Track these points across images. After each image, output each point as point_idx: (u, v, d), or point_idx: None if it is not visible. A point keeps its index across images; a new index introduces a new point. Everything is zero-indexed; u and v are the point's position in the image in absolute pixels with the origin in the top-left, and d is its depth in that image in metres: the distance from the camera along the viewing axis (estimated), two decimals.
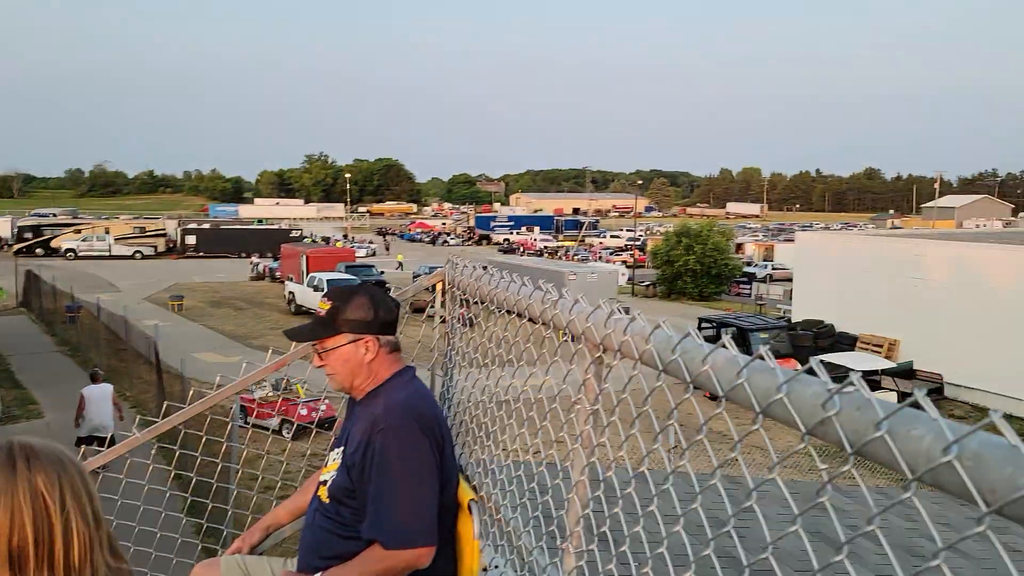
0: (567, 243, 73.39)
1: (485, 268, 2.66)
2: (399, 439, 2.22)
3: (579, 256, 61.83)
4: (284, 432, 16.22)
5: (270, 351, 3.14)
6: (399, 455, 2.20)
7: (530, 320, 2.21)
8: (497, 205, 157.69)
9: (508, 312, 2.36)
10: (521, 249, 73.09)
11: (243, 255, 60.78)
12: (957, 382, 21.98)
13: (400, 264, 55.15)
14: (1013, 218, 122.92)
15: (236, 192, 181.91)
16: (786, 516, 1.09)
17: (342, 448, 2.41)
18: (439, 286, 2.97)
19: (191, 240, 65.40)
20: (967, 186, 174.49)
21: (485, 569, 2.31)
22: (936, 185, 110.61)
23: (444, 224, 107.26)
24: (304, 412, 15.65)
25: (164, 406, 3.17)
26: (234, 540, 2.81)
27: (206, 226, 76.31)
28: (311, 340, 2.53)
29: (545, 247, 72.40)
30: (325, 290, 2.58)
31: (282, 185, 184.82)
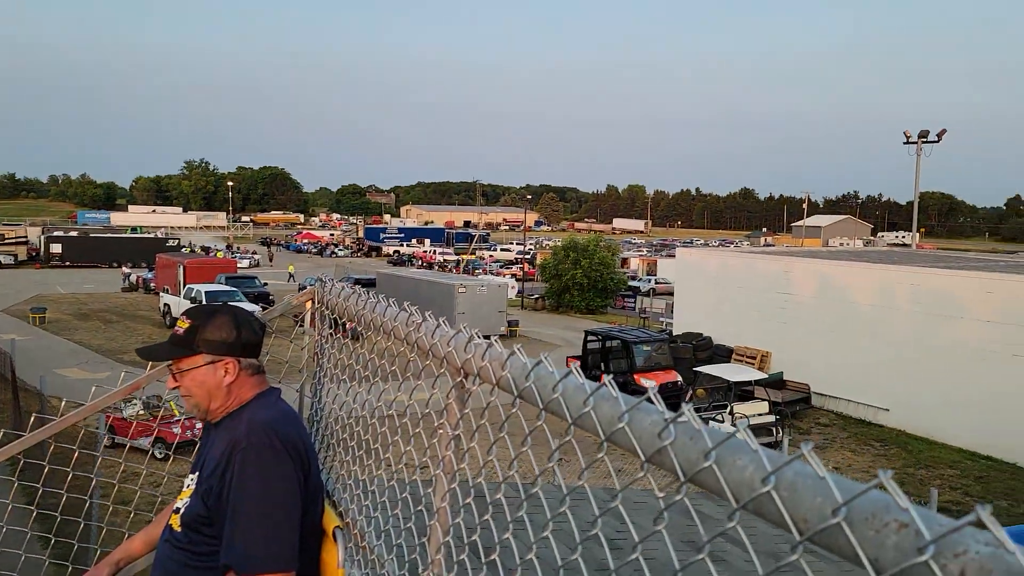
0: (468, 256, 72.93)
1: (357, 283, 2.60)
2: (260, 460, 2.11)
3: (480, 269, 61.24)
4: (157, 452, 15.43)
5: (123, 374, 2.95)
6: (259, 476, 2.10)
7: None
8: (387, 217, 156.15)
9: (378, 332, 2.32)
10: (420, 262, 71.91)
11: (115, 265, 57.55)
12: (823, 392, 23.36)
13: (291, 275, 53.61)
14: (872, 237, 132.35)
15: (108, 199, 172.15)
16: (664, 527, 1.10)
17: (197, 474, 2.29)
18: (309, 304, 2.88)
19: (56, 248, 61.31)
20: (832, 207, 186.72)
21: None
22: (804, 205, 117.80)
23: (332, 235, 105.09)
24: (179, 431, 14.94)
25: (32, 418, 2.93)
26: (84, 574, 2.62)
27: (73, 234, 71.83)
28: (166, 360, 2.40)
29: (445, 259, 71.51)
30: (203, 303, 2.46)
31: (159, 192, 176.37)
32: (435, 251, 78.81)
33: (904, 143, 40.43)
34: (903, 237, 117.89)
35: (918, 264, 24.65)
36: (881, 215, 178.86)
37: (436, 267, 65.85)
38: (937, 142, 39.58)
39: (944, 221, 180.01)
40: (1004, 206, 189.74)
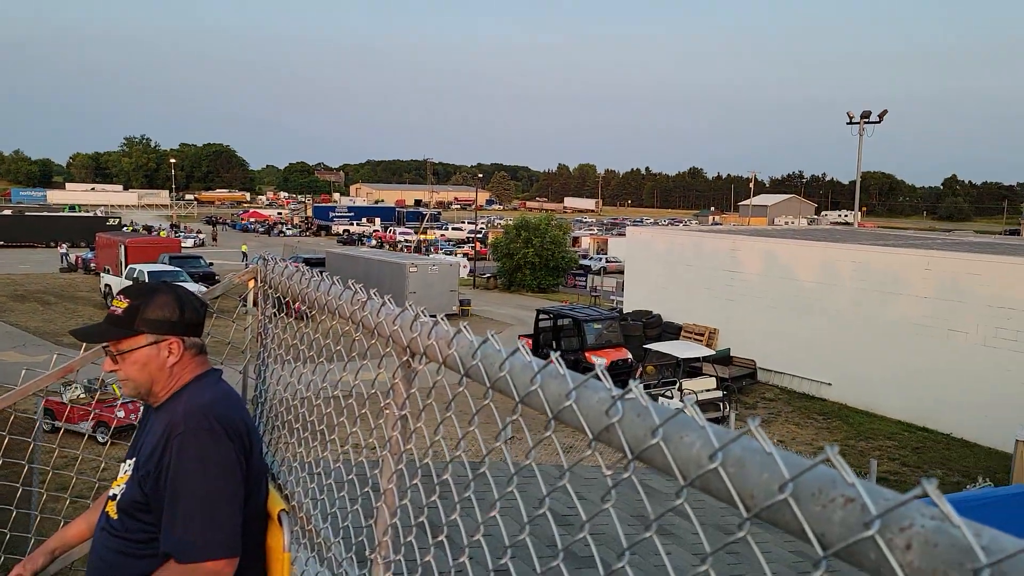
0: (429, 236, 70.73)
1: (306, 263, 2.54)
2: (199, 443, 2.04)
3: (443, 249, 59.10)
4: (99, 436, 15.05)
5: (55, 357, 2.84)
6: (199, 461, 2.03)
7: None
8: (337, 195, 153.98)
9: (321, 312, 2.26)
10: (378, 241, 69.62)
11: (52, 244, 55.61)
12: (768, 367, 23.90)
13: (245, 255, 52.43)
14: (816, 216, 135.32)
15: (44, 176, 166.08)
16: (614, 503, 1.08)
17: (134, 459, 2.21)
18: (251, 283, 2.80)
19: None
20: (778, 186, 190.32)
21: None
22: (751, 184, 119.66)
23: (280, 214, 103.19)
24: (122, 414, 14.57)
25: None
26: (17, 564, 2.52)
27: (7, 212, 69.21)
28: (105, 341, 2.30)
29: (405, 240, 69.10)
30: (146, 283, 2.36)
31: (99, 170, 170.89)
32: (394, 230, 76.23)
33: (847, 123, 41.30)
34: (845, 216, 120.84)
35: (860, 242, 25.30)
36: (825, 194, 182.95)
37: (397, 247, 64.11)
38: (879, 123, 40.51)
39: (885, 200, 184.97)
40: (942, 186, 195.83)
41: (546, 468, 5.86)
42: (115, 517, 2.17)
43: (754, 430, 0.83)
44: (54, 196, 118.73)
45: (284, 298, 2.54)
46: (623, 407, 1.03)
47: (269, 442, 2.64)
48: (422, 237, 69.76)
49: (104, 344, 2.29)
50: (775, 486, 0.79)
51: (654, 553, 4.05)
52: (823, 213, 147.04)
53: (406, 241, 68.32)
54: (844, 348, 21.91)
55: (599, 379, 1.11)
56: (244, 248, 56.29)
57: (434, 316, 1.61)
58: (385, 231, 78.65)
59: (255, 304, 2.79)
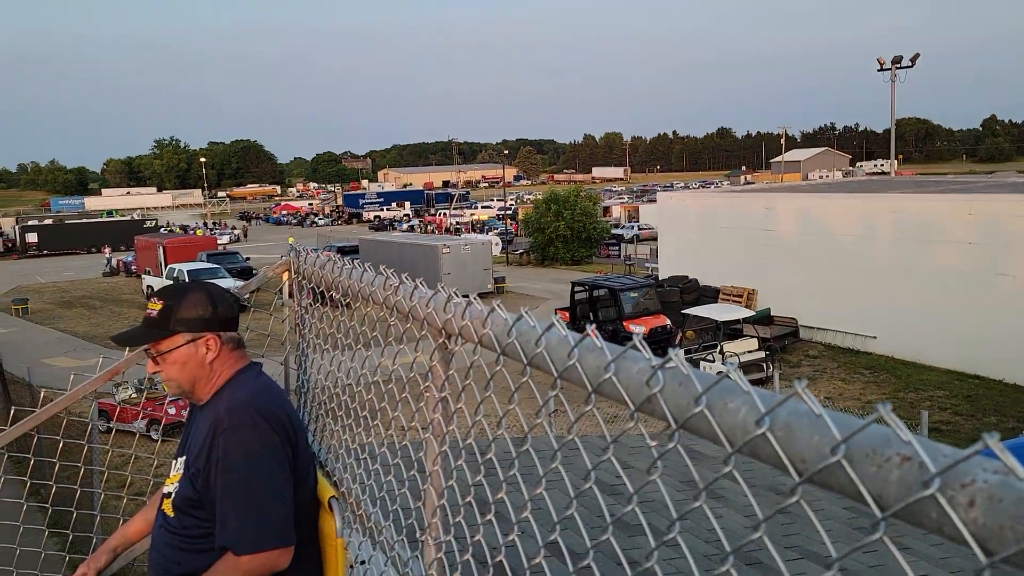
0: (482, 216, 66.06)
1: (339, 252, 2.54)
2: (244, 438, 2.07)
3: (498, 230, 54.80)
4: (152, 433, 15.43)
5: (100, 360, 2.89)
6: (245, 455, 2.06)
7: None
8: (365, 182, 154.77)
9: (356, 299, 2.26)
10: (427, 225, 66.61)
11: (93, 250, 56.86)
12: (810, 324, 23.57)
13: (292, 248, 52.98)
14: (851, 168, 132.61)
15: (80, 184, 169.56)
16: (659, 470, 1.07)
17: (184, 457, 2.25)
18: (285, 276, 2.82)
19: (32, 238, 60.42)
20: (809, 140, 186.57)
21: (352, 566, 2.23)
22: (782, 141, 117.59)
23: (311, 204, 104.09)
24: (172, 411, 14.91)
25: (12, 412, 2.88)
26: (81, 563, 2.59)
27: (48, 222, 70.78)
28: (143, 344, 2.34)
29: (457, 222, 65.75)
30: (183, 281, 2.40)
31: (132, 174, 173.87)
32: (444, 213, 70.44)
33: (878, 70, 40.23)
34: (881, 165, 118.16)
35: (897, 191, 24.72)
36: (859, 145, 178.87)
37: (452, 231, 59.89)
38: (911, 67, 39.41)
39: (921, 146, 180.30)
40: (980, 127, 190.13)
41: (590, 439, 5.87)
42: (171, 515, 2.22)
43: (801, 392, 0.80)
44: (91, 203, 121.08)
45: (319, 288, 2.55)
46: (664, 376, 1.00)
47: (314, 431, 2.67)
48: (484, 217, 65.41)
49: (146, 347, 2.33)
50: (827, 448, 0.76)
51: (704, 518, 4.04)
52: (858, 164, 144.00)
53: (458, 224, 64.81)
54: (887, 300, 21.49)
55: (637, 349, 1.09)
56: (291, 240, 56.88)
57: (467, 296, 1.60)
58: (435, 215, 73.58)
59: (291, 296, 2.81)
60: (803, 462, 0.80)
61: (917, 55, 39.39)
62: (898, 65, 39.30)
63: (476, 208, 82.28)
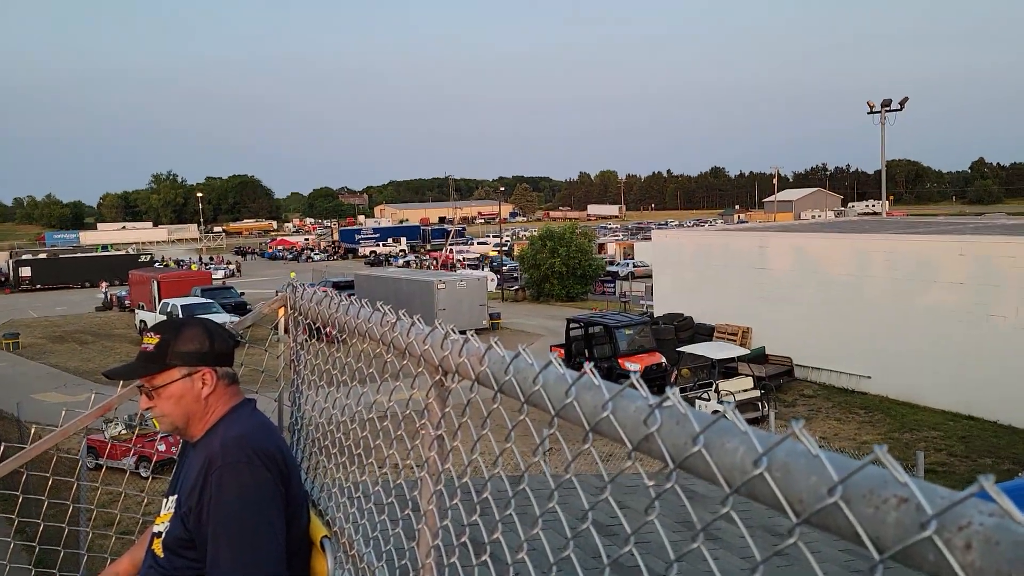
0: (491, 252, 64.51)
1: (335, 287, 2.55)
2: (237, 476, 2.06)
3: (507, 267, 53.02)
4: (142, 470, 15.24)
5: (92, 396, 2.88)
6: (238, 494, 2.04)
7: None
8: (362, 218, 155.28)
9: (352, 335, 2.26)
10: (434, 262, 64.60)
11: (87, 284, 56.73)
12: (805, 363, 23.56)
13: (289, 283, 52.70)
14: (843, 208, 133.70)
15: (76, 218, 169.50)
16: (656, 511, 1.07)
17: (175, 496, 2.23)
18: (281, 311, 2.82)
19: (26, 272, 60.25)
20: (801, 180, 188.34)
21: None
22: (774, 180, 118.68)
23: (307, 240, 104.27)
24: (163, 448, 14.76)
25: (1, 448, 2.84)
26: None
27: (43, 256, 70.72)
28: (139, 377, 2.33)
29: (464, 258, 64.99)
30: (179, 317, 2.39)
31: (128, 208, 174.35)
32: (451, 249, 69.80)
33: (868, 113, 40.81)
34: (873, 206, 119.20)
35: (890, 231, 24.90)
36: (850, 186, 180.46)
37: (456, 266, 58.93)
38: (900, 110, 39.98)
39: (912, 188, 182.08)
40: (969, 169, 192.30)
41: (586, 478, 5.82)
42: (161, 555, 2.19)
43: (798, 432, 0.80)
44: (86, 237, 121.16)
45: (314, 324, 2.55)
46: (661, 415, 1.01)
47: (308, 468, 2.65)
48: (492, 254, 63.64)
49: (140, 383, 2.32)
50: (824, 489, 0.77)
51: (701, 560, 3.99)
52: (850, 205, 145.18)
53: (465, 260, 63.61)
54: (881, 340, 21.54)
55: (635, 387, 1.09)
56: (293, 275, 56.57)
57: (464, 332, 1.60)
58: (438, 250, 72.60)
59: (286, 331, 2.80)
60: (801, 503, 0.80)
61: (906, 99, 40.00)
62: (887, 108, 39.89)
63: (472, 243, 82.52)
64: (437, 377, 1.70)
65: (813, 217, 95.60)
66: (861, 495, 0.74)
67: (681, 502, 1.09)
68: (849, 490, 0.75)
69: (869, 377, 21.95)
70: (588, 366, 1.17)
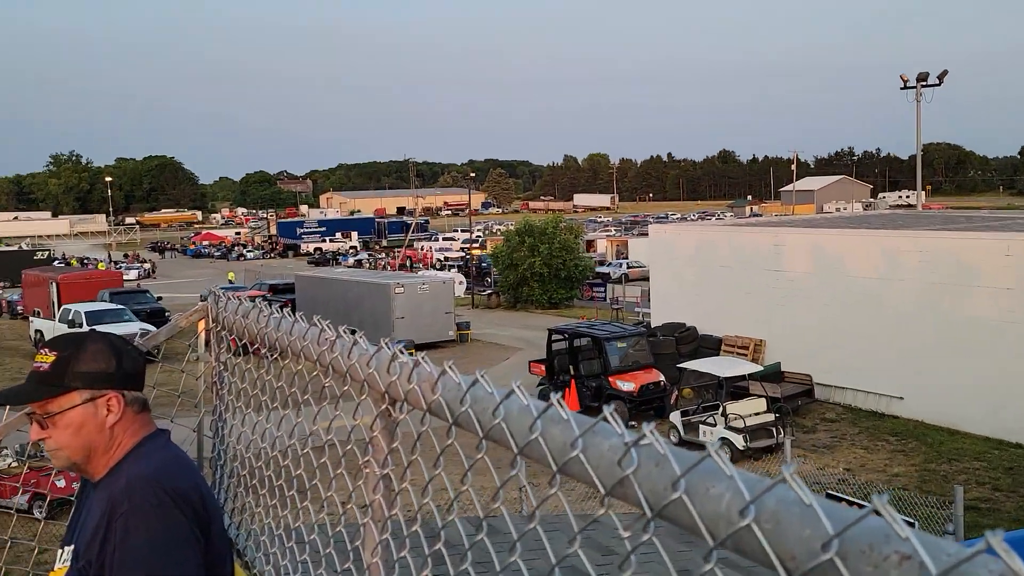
0: (476, 251, 64.03)
1: (271, 291, 2.55)
2: (146, 522, 2.04)
3: (486, 264, 52.78)
4: (36, 511, 15.03)
5: None
6: (147, 542, 2.03)
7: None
8: (304, 208, 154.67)
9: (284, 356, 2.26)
10: (421, 266, 63.73)
11: None
12: (827, 382, 23.81)
13: (231, 283, 52.24)
14: (872, 199, 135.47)
15: None
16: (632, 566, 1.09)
17: (72, 547, 2.21)
18: (201, 325, 2.81)
19: None
20: (824, 166, 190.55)
21: None
22: (793, 166, 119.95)
23: (239, 234, 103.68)
24: (62, 484, 14.57)
25: None
26: None
27: None
28: (31, 402, 2.30)
29: (446, 258, 64.45)
30: (82, 326, 2.37)
31: (21, 195, 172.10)
32: (430, 248, 70.11)
33: (902, 88, 41.41)
34: (907, 197, 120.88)
35: (926, 227, 25.28)
36: (881, 173, 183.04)
37: (439, 267, 58.98)
38: (938, 85, 40.61)
39: (952, 176, 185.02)
40: (1019, 155, 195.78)
41: (563, 518, 5.84)
42: None
43: (789, 478, 0.83)
44: None
45: (241, 340, 2.55)
46: (638, 456, 1.03)
47: (232, 511, 2.64)
48: (479, 252, 62.90)
49: (29, 409, 2.29)
50: (818, 544, 0.79)
51: None
52: (880, 195, 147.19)
53: (447, 260, 63.01)
54: (916, 355, 21.81)
55: (609, 422, 1.11)
56: (231, 276, 56.09)
57: (413, 353, 1.61)
58: (397, 246, 71.95)
59: (207, 348, 2.80)
60: (793, 559, 0.82)
61: (945, 72, 40.65)
62: (924, 83, 40.50)
63: (437, 239, 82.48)
64: (383, 406, 1.71)
65: (837, 210, 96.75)
66: (860, 551, 0.76)
67: (669, 544, 1.11)
68: (846, 545, 0.77)
69: (901, 398, 22.23)
70: (555, 397, 1.19)
